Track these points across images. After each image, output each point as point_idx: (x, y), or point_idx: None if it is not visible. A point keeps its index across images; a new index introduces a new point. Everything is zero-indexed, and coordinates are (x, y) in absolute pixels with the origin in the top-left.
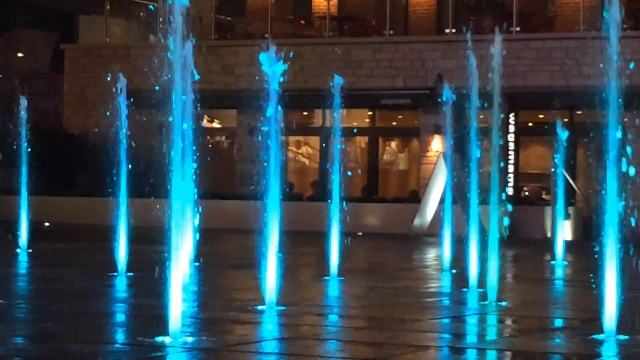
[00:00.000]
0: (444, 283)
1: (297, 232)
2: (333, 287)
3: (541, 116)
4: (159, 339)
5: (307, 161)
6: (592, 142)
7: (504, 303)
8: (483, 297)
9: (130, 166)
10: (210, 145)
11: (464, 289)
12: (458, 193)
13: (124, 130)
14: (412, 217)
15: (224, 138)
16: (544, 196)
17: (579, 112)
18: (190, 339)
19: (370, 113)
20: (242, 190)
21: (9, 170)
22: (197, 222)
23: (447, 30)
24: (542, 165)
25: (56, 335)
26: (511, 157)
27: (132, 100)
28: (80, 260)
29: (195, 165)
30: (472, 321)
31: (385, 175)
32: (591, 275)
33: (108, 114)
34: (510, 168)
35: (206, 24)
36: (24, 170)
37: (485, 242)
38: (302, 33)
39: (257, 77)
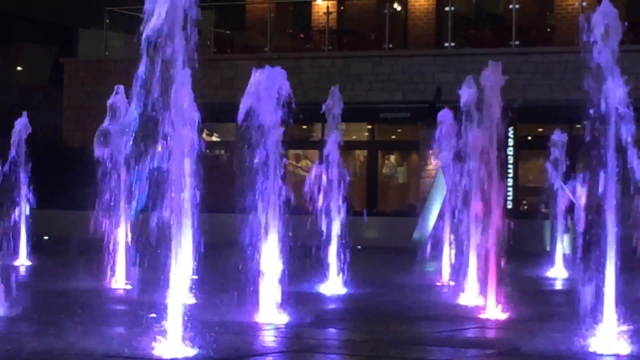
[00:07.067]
0: (443, 296)
1: (298, 245)
2: (333, 300)
3: (540, 130)
4: (159, 351)
5: (306, 175)
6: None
7: (503, 316)
8: (482, 310)
9: (130, 180)
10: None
11: (463, 302)
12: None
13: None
14: (412, 230)
15: (223, 151)
16: (543, 210)
17: (578, 126)
18: (190, 352)
19: (369, 127)
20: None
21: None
22: (197, 235)
23: (446, 44)
24: (542, 179)
25: (56, 348)
26: (510, 170)
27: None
28: (79, 273)
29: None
30: (471, 334)
31: (385, 188)
32: (590, 288)
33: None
34: (509, 182)
35: (205, 38)
36: (23, 183)
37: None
38: (302, 47)
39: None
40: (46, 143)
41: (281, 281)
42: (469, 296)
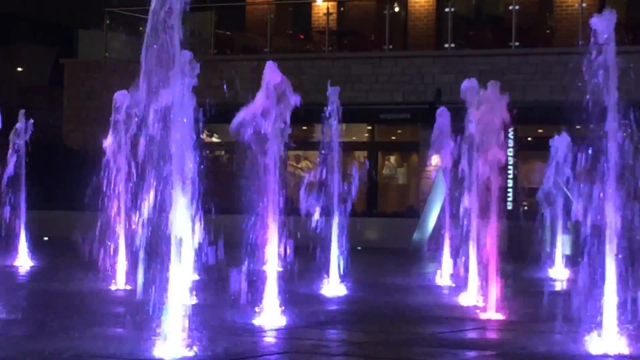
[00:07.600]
0: (443, 297)
1: (299, 246)
2: (333, 302)
3: (540, 131)
4: (159, 353)
5: (307, 175)
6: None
7: (502, 317)
8: (481, 311)
9: (130, 181)
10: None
11: (464, 303)
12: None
13: (124, 146)
14: (412, 231)
15: (223, 152)
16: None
17: (578, 127)
18: (190, 353)
19: (369, 128)
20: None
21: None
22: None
23: (446, 45)
24: (542, 180)
25: (57, 352)
26: (510, 171)
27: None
28: (79, 274)
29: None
30: (471, 335)
31: (385, 189)
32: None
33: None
34: (510, 183)
35: (206, 39)
36: (23, 184)
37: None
38: (302, 48)
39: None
40: (46, 143)
41: (282, 282)
42: (469, 297)
